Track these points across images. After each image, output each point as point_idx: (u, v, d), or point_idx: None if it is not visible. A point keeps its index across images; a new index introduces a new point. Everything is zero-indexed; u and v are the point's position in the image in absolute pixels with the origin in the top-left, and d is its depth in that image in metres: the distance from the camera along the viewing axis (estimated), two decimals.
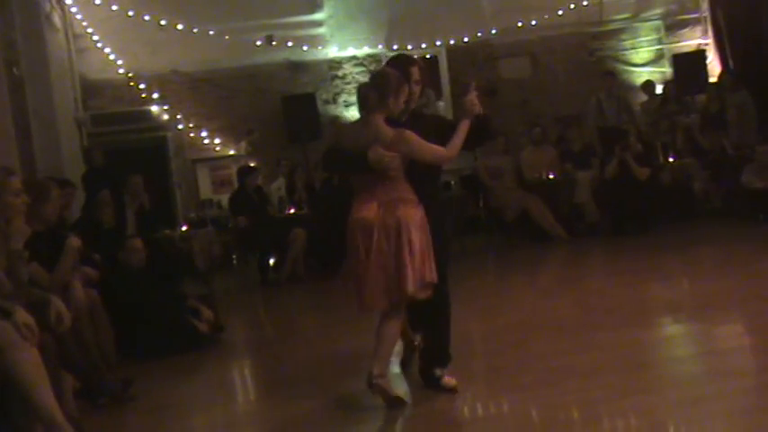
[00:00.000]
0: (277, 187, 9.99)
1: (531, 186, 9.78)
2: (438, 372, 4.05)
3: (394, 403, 3.85)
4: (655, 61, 12.07)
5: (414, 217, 3.84)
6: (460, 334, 4.43)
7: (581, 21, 11.68)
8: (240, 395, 4.84)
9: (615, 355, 4.31)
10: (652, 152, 10.06)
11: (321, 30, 11.48)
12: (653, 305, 5.29)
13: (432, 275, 3.85)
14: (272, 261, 9.08)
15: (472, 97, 3.94)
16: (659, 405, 3.48)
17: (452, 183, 10.49)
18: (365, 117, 3.92)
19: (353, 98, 11.67)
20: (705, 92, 11.00)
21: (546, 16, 11.41)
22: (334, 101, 11.65)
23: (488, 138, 4.31)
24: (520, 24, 11.30)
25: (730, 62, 11.61)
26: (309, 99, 11.11)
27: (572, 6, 11.54)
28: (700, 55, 11.58)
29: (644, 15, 12.13)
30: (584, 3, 11.58)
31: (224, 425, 4.21)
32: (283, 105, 10.96)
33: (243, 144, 11.17)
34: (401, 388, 4.09)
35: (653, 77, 11.80)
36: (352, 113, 11.65)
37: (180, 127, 11.14)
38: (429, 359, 4.12)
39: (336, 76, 11.65)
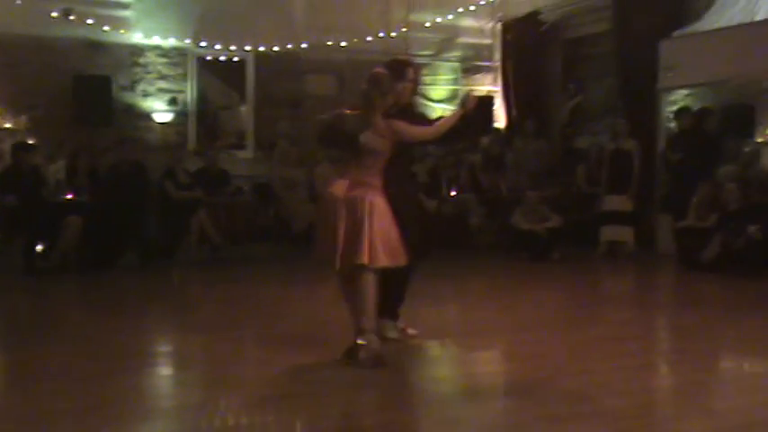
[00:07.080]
0: (56, 169, 9.34)
1: None
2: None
3: (378, 363, 4.39)
4: (450, 99, 12.87)
5: (378, 204, 4.53)
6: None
7: (388, 50, 12.13)
8: None
9: (380, 372, 4.49)
10: (438, 185, 10.68)
11: (126, 12, 10.99)
12: (422, 329, 5.58)
13: (386, 257, 4.48)
14: (39, 247, 8.45)
15: (472, 95, 5.06)
16: (419, 422, 3.70)
17: (244, 189, 10.44)
18: (366, 113, 4.68)
19: (152, 88, 11.27)
20: (490, 134, 11.90)
21: (355, 39, 11.75)
22: (132, 88, 11.17)
23: (476, 133, 5.23)
24: (330, 43, 11.53)
25: (513, 110, 12.68)
26: (104, 82, 10.58)
27: (380, 35, 12.00)
28: (488, 100, 12.51)
29: (445, 56, 12.91)
30: (393, 34, 12.09)
31: None
32: (75, 85, 10.34)
33: (23, 118, 10.36)
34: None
35: (445, 115, 12.55)
36: (149, 104, 11.23)
37: None
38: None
39: (137, 63, 11.18)
